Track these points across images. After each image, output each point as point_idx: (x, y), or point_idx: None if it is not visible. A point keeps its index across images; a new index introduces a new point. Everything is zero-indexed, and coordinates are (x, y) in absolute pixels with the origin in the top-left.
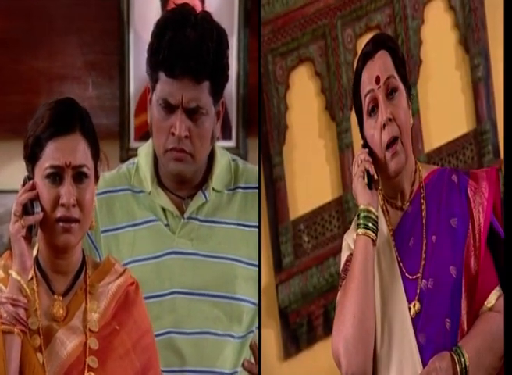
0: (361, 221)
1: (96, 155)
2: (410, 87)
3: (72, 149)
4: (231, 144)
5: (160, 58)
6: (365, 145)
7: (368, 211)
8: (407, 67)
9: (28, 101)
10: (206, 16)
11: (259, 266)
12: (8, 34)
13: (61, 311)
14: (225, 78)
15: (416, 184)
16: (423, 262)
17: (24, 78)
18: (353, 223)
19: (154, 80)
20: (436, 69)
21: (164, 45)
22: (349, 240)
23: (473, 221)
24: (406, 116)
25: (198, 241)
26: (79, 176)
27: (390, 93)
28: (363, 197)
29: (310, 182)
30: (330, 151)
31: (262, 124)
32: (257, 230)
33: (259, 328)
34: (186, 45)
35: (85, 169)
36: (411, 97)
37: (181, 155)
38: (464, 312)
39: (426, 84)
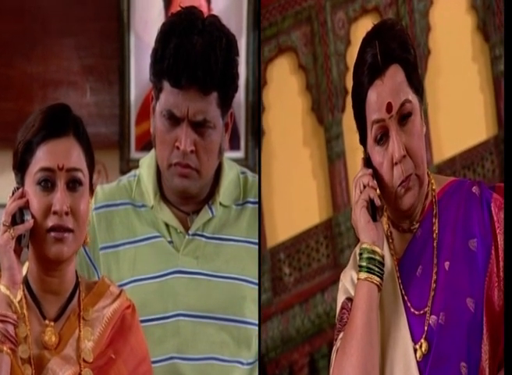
0: (364, 263)
1: (91, 166)
2: (423, 93)
3: (65, 151)
4: (239, 154)
5: (164, 67)
6: (368, 163)
7: (373, 252)
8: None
9: (20, 108)
10: (214, 21)
11: (259, 285)
12: None
13: (53, 338)
14: (234, 88)
15: (428, 198)
16: (432, 294)
17: (16, 84)
18: (351, 257)
19: (158, 88)
20: (448, 62)
21: (169, 53)
22: (345, 281)
23: (496, 244)
24: (420, 143)
25: (204, 259)
26: (73, 184)
27: (404, 117)
28: (367, 233)
29: (292, 201)
30: (317, 163)
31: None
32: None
33: (259, 356)
34: (192, 53)
35: (79, 175)
36: (423, 106)
37: (186, 171)
38: (485, 356)
39: (435, 80)
